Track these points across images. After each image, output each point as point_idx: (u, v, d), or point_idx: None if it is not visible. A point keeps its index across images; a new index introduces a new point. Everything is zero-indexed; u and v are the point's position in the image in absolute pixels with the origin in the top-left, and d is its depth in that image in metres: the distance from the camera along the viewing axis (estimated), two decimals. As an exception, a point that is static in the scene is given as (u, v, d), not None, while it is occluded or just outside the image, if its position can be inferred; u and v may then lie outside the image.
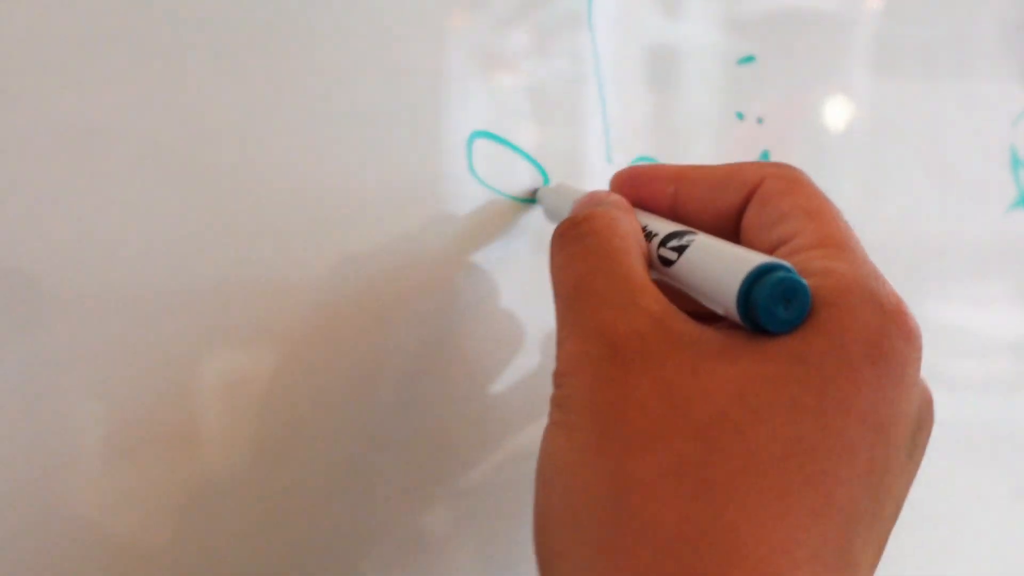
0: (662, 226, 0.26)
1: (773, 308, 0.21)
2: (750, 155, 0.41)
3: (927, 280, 0.47)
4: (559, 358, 0.23)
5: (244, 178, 0.28)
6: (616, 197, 0.28)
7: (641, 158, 0.38)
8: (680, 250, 0.25)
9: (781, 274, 0.21)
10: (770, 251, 0.25)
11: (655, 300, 0.23)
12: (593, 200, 0.28)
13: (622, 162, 0.37)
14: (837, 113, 0.44)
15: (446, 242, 0.33)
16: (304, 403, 0.31)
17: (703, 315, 0.24)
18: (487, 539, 0.36)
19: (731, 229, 0.27)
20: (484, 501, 0.35)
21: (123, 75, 0.26)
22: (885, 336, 0.22)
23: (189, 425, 0.29)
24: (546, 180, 0.35)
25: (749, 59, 0.40)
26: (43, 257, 0.25)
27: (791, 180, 0.26)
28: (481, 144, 0.33)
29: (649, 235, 0.26)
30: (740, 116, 0.40)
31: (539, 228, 0.35)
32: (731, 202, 0.27)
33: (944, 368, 0.50)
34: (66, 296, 0.26)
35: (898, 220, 0.46)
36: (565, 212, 0.30)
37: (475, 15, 0.33)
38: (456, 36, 0.32)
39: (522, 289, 0.35)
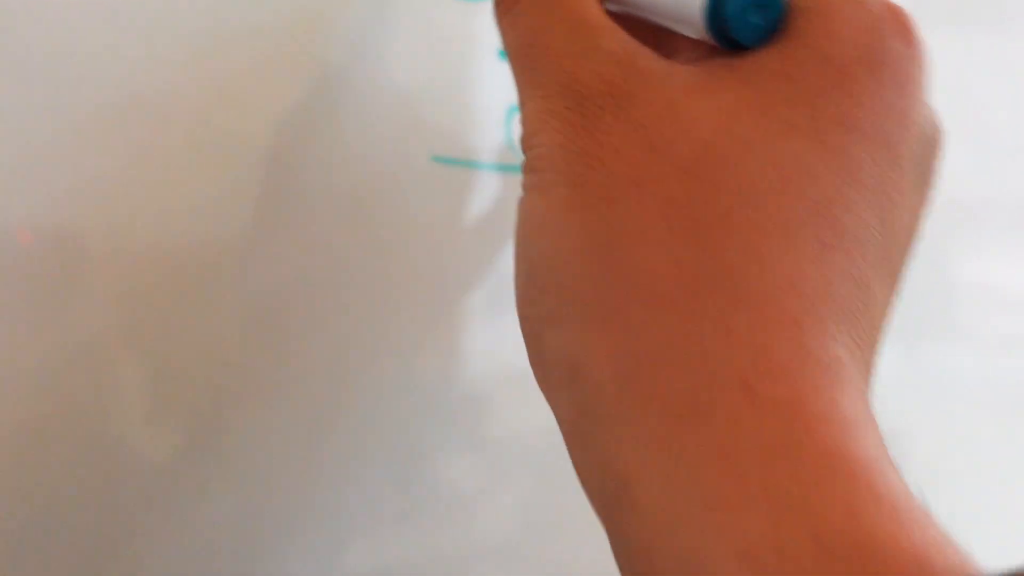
0: None
1: (745, 15, 0.19)
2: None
3: (959, 239, 0.47)
4: (523, 121, 0.21)
5: (277, 149, 0.29)
6: None
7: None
8: None
9: None
10: None
11: (617, 40, 0.20)
12: None
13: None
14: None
15: (482, 221, 0.33)
16: (342, 356, 0.32)
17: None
18: (523, 494, 0.37)
19: None
20: (521, 456, 0.36)
21: (159, 49, 0.27)
22: (878, 37, 0.19)
23: (227, 375, 0.30)
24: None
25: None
26: (84, 219, 0.26)
27: None
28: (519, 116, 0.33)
29: None
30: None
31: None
32: None
33: (975, 326, 0.49)
34: (106, 257, 0.27)
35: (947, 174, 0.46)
36: None
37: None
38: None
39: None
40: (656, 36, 0.22)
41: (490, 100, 0.32)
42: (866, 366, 0.19)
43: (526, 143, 0.21)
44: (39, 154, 0.25)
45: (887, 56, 0.19)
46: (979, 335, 0.50)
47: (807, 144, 0.18)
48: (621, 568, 0.18)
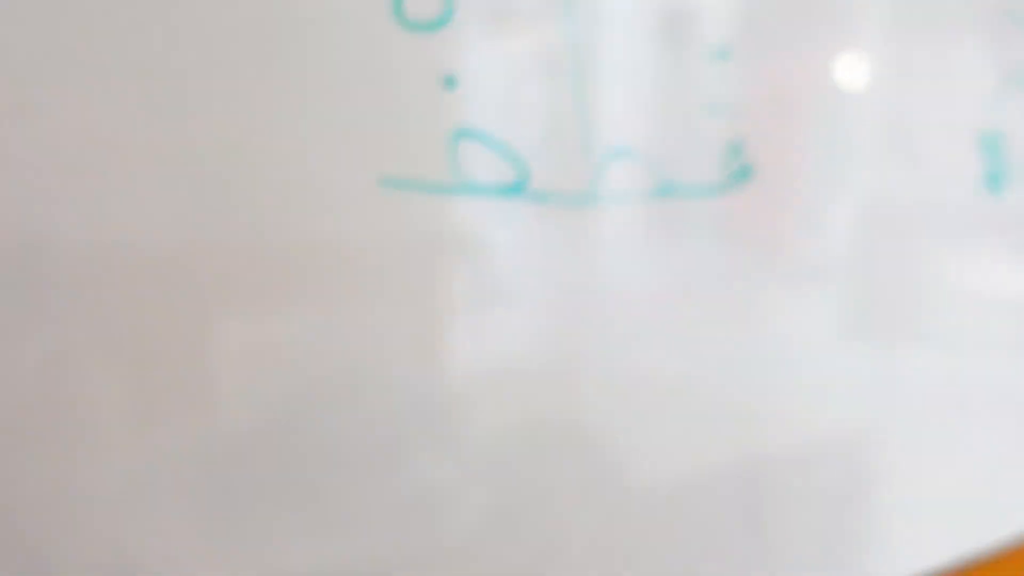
0: None
1: None
2: (738, 120, 0.41)
3: (931, 243, 0.48)
4: None
5: (242, 167, 0.30)
6: None
7: (620, 147, 0.38)
8: None
9: None
10: None
11: None
12: None
13: (599, 151, 0.37)
14: (852, 75, 0.45)
15: (431, 240, 0.34)
16: (316, 357, 0.32)
17: None
18: (495, 493, 0.37)
19: None
20: (493, 456, 0.37)
21: (123, 79, 0.27)
22: None
23: (202, 385, 0.30)
24: (526, 176, 0.35)
25: (724, 56, 0.40)
26: (58, 235, 0.27)
27: None
28: (464, 142, 0.34)
29: None
30: (712, 111, 0.40)
31: (523, 221, 0.36)
32: None
33: (946, 328, 0.50)
34: (78, 270, 0.27)
35: (886, 183, 0.47)
36: None
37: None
38: (430, 39, 0.33)
39: (514, 277, 0.36)
40: None
41: (434, 126, 0.33)
42: None
43: None
44: (21, 158, 0.26)
45: None
46: (949, 337, 0.51)
47: None
48: None
